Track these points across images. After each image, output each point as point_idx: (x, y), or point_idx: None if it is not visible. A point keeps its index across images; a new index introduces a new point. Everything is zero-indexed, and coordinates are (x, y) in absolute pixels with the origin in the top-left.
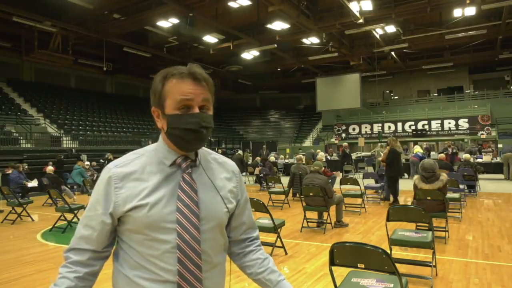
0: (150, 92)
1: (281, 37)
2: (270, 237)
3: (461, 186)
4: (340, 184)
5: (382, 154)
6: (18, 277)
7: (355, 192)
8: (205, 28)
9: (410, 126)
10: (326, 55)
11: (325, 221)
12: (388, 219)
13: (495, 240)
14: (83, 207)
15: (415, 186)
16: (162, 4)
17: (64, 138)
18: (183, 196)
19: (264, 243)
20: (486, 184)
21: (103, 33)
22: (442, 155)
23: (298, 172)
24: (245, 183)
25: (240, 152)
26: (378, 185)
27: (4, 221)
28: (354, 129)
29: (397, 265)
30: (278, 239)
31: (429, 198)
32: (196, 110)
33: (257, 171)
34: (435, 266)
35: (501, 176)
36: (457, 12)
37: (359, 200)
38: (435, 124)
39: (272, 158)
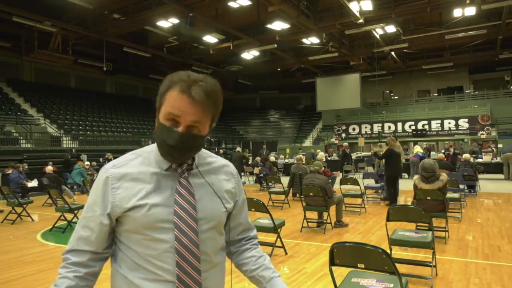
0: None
1: (281, 37)
2: (270, 237)
3: (461, 186)
4: (340, 184)
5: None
6: (18, 277)
7: (355, 192)
8: (205, 28)
9: (410, 126)
10: (326, 55)
11: (325, 221)
12: (388, 219)
13: (495, 240)
14: (83, 207)
15: (415, 186)
16: (162, 4)
17: (64, 138)
18: (180, 200)
19: (264, 243)
20: (486, 184)
21: (103, 33)
22: (442, 155)
23: (298, 172)
24: (245, 183)
25: (239, 149)
26: (378, 185)
27: (4, 221)
28: (354, 129)
29: (397, 265)
30: (278, 239)
31: (429, 198)
32: (181, 128)
33: (257, 171)
34: (435, 266)
35: (501, 176)
36: (457, 12)
37: (359, 200)
38: (435, 124)
39: (272, 158)
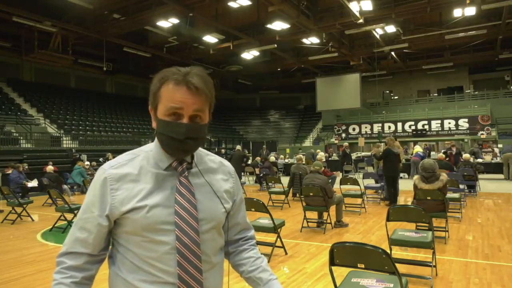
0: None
1: (281, 37)
2: (270, 237)
3: (461, 186)
4: (340, 184)
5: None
6: (18, 277)
7: (355, 192)
8: (205, 28)
9: (410, 126)
10: (326, 55)
11: (325, 221)
12: (388, 219)
13: (495, 240)
14: None
15: (415, 186)
16: (162, 4)
17: (64, 138)
18: (181, 199)
19: (264, 243)
20: (486, 184)
21: (103, 33)
22: (442, 155)
23: (298, 172)
24: (245, 183)
25: (239, 147)
26: (378, 185)
27: (4, 221)
28: (354, 129)
29: (397, 265)
30: (278, 239)
31: (429, 198)
32: (185, 120)
33: (257, 171)
34: (435, 266)
35: (501, 176)
36: (457, 12)
37: (359, 200)
38: (435, 124)
39: (272, 158)
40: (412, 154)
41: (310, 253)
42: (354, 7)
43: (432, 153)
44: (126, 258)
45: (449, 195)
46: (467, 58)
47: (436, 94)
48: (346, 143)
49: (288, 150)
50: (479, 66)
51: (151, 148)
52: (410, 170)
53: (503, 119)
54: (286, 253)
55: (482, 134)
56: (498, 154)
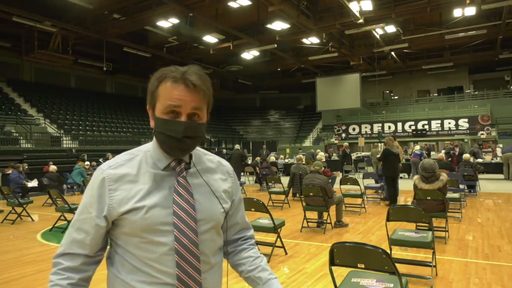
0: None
1: (281, 37)
2: (270, 237)
3: (461, 186)
4: (340, 184)
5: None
6: (18, 277)
7: (355, 192)
8: (205, 28)
9: (410, 126)
10: (326, 55)
11: (325, 221)
12: (388, 219)
13: (495, 240)
14: None
15: (415, 186)
16: (162, 4)
17: (64, 138)
18: (179, 200)
19: (264, 243)
20: (486, 184)
21: (103, 33)
22: (442, 155)
23: (298, 172)
24: (245, 183)
25: (237, 146)
26: (378, 185)
27: (4, 221)
28: (354, 129)
29: (397, 265)
30: (278, 239)
31: (429, 198)
32: (183, 118)
33: (257, 170)
34: (435, 266)
35: (501, 176)
36: (457, 12)
37: (359, 200)
38: (435, 124)
39: (272, 158)
40: (411, 154)
41: (310, 253)
42: (354, 7)
43: (432, 153)
44: (124, 259)
45: (449, 195)
46: (467, 58)
47: (436, 94)
48: (346, 143)
49: (288, 150)
50: (479, 66)
51: (149, 148)
52: (410, 170)
53: (503, 119)
54: (286, 253)
55: (482, 134)
56: (499, 154)
